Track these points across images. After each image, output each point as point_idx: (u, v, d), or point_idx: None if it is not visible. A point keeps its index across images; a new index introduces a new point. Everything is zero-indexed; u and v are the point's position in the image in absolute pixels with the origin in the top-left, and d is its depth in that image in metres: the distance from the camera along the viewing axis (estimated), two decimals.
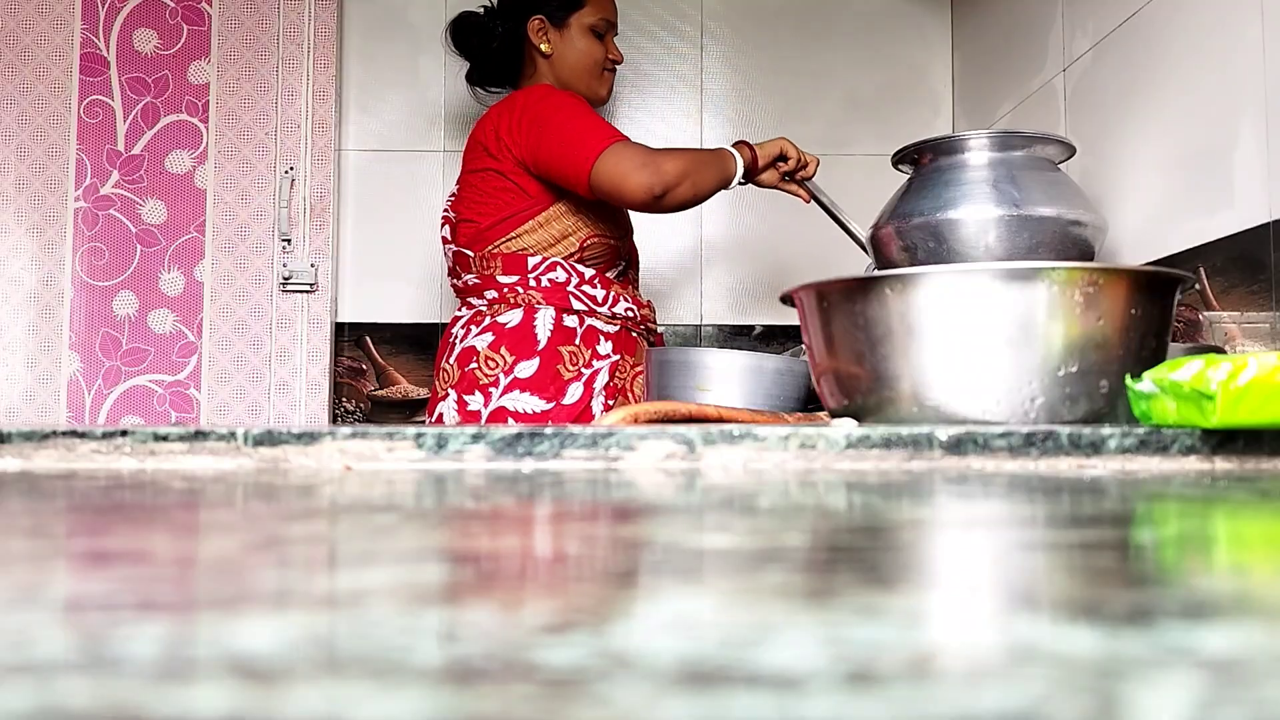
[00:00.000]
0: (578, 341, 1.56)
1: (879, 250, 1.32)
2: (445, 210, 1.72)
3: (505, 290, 1.57)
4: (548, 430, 0.59)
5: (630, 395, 1.58)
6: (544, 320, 1.55)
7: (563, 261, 1.57)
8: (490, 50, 1.71)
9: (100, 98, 2.09)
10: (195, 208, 2.09)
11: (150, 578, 0.26)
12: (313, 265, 2.09)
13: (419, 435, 0.59)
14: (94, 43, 2.09)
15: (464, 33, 1.73)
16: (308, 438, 0.58)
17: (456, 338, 1.60)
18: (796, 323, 0.89)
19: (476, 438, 0.58)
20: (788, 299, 0.88)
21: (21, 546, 0.32)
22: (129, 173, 2.08)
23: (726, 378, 1.43)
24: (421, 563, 0.29)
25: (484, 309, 1.59)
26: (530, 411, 1.52)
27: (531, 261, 1.56)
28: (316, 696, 0.16)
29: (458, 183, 1.70)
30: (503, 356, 1.54)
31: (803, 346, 0.93)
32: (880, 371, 0.79)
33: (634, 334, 1.62)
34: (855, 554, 0.31)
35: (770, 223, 2.18)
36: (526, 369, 1.53)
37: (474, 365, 1.55)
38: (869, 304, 0.78)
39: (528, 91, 1.58)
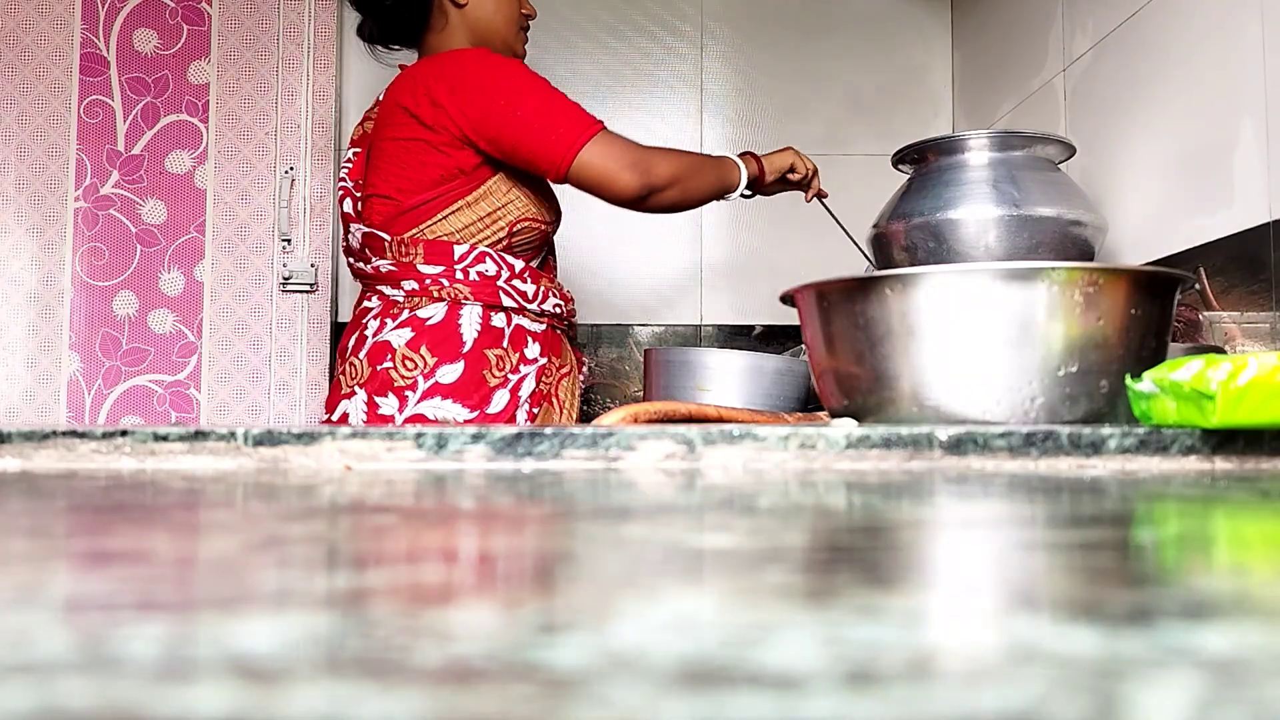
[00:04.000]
0: (505, 344, 1.43)
1: (879, 250, 1.32)
2: (343, 179, 1.54)
3: (428, 282, 1.42)
4: (548, 430, 0.59)
5: (555, 399, 1.48)
6: (469, 319, 1.41)
7: (491, 252, 1.43)
8: (395, 1, 1.50)
9: (100, 98, 2.09)
10: (195, 208, 2.09)
11: (150, 578, 0.26)
12: (313, 265, 2.09)
13: (419, 435, 0.59)
14: (94, 43, 2.09)
15: None
16: (308, 438, 0.58)
17: (368, 330, 1.44)
18: (796, 323, 0.89)
19: (477, 438, 0.58)
20: (788, 299, 0.88)
21: (21, 546, 0.32)
22: (129, 173, 2.08)
23: (726, 378, 1.43)
24: (421, 563, 0.29)
25: (400, 300, 1.43)
26: (452, 420, 1.38)
27: (458, 251, 1.42)
28: (316, 696, 0.16)
29: (363, 150, 1.53)
30: (423, 357, 1.40)
31: (803, 346, 0.93)
32: (880, 371, 0.79)
33: (558, 331, 1.52)
34: (855, 554, 0.31)
35: (771, 223, 2.18)
36: (449, 373, 1.40)
37: (388, 364, 1.40)
38: (869, 304, 0.78)
39: (467, 56, 1.42)
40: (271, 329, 2.09)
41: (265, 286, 2.09)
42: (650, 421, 0.77)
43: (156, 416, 2.05)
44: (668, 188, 1.41)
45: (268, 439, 0.58)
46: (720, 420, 0.79)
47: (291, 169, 2.09)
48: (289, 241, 2.08)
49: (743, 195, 1.55)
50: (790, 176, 1.59)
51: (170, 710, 0.15)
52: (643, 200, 1.40)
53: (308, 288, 2.08)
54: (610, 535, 0.35)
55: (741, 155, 1.56)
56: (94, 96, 2.09)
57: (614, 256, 2.16)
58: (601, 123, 1.41)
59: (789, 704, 0.16)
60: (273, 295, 2.09)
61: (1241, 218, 1.21)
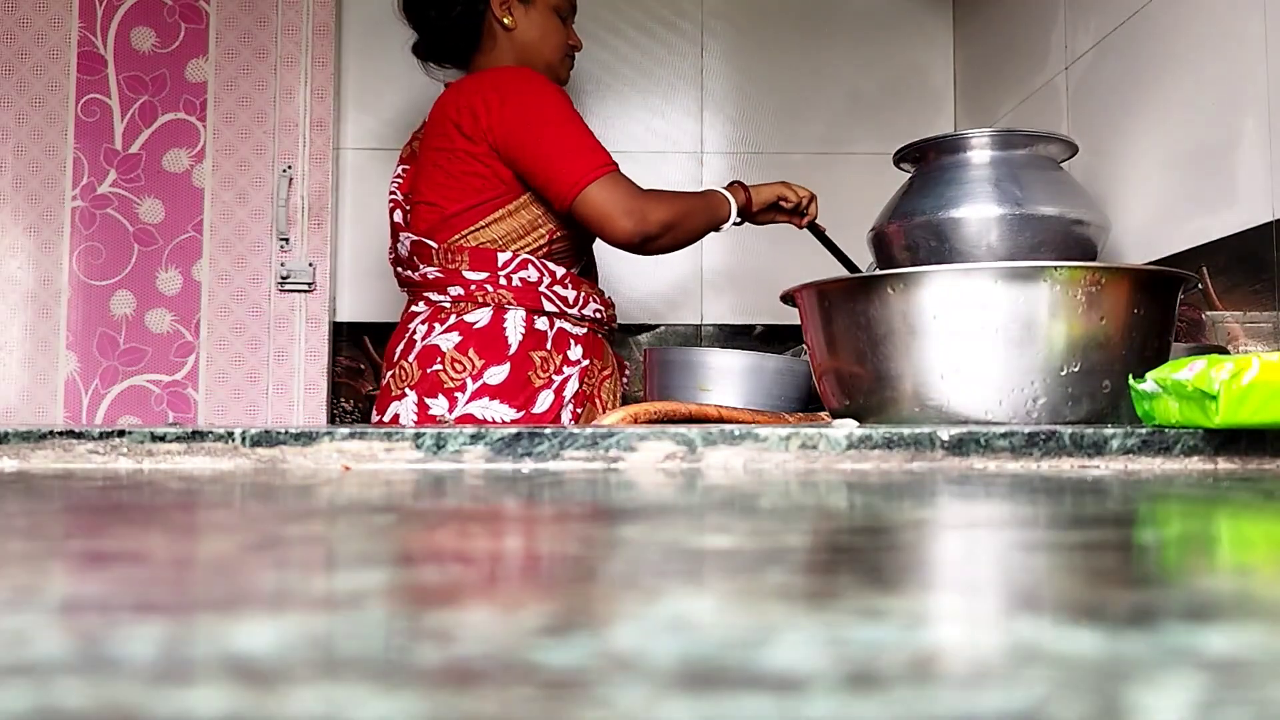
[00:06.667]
0: (549, 346, 1.49)
1: (880, 249, 1.32)
2: (393, 191, 1.61)
3: (473, 288, 1.48)
4: (547, 430, 0.59)
5: (598, 400, 1.53)
6: (514, 322, 1.47)
7: (533, 259, 1.49)
8: (448, 21, 1.58)
9: (98, 96, 2.09)
10: (193, 207, 2.09)
11: (148, 578, 0.26)
12: (310, 264, 2.09)
13: (417, 435, 0.58)
14: (91, 41, 2.09)
15: (419, 2, 1.60)
16: (305, 438, 0.58)
17: (416, 334, 1.50)
18: (797, 322, 0.89)
19: (475, 438, 0.58)
20: (789, 298, 0.88)
21: (19, 547, 0.32)
22: (126, 171, 2.08)
23: (727, 378, 1.43)
24: (421, 563, 0.29)
25: (447, 305, 1.50)
26: (498, 420, 1.44)
27: (502, 258, 1.48)
28: (315, 697, 0.16)
29: (413, 160, 1.60)
30: (470, 359, 1.45)
31: (804, 346, 0.93)
32: (882, 371, 0.78)
33: (599, 335, 1.58)
34: (856, 555, 0.30)
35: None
36: (496, 375, 1.45)
37: (438, 366, 1.46)
38: (870, 303, 0.78)
39: (509, 73, 1.49)
40: (269, 328, 2.08)
41: (263, 286, 2.09)
42: (651, 422, 0.77)
43: (154, 416, 2.05)
44: (661, 235, 1.47)
45: (265, 439, 0.58)
46: (721, 420, 0.79)
47: (289, 168, 2.09)
48: (287, 241, 2.08)
49: (734, 224, 1.59)
50: (783, 204, 1.62)
51: (168, 711, 0.15)
52: (637, 247, 1.47)
53: (305, 287, 2.08)
54: (610, 536, 0.34)
55: (730, 186, 1.60)
56: (91, 95, 2.09)
57: (615, 256, 2.16)
58: (614, 165, 1.47)
59: (790, 705, 0.15)
60: (270, 295, 2.09)
61: (1244, 217, 1.21)
